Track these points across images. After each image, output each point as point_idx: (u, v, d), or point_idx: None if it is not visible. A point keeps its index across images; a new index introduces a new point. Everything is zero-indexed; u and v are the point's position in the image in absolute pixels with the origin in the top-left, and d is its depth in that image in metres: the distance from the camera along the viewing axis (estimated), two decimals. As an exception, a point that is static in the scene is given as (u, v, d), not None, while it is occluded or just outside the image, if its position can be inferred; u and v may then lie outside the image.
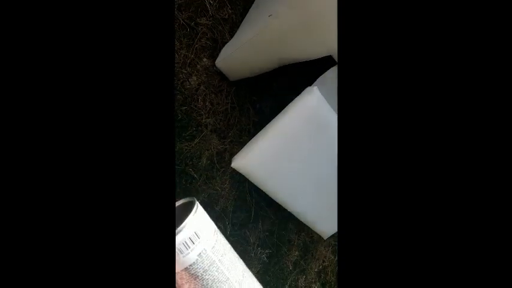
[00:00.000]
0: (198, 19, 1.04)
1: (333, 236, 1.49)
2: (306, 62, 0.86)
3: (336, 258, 1.59)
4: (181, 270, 0.33)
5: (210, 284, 0.33)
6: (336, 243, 1.58)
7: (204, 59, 1.06)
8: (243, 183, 1.18)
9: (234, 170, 1.13)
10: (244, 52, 0.89)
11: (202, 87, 1.05)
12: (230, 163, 0.87)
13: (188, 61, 1.02)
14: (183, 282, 0.33)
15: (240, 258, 0.38)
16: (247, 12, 1.13)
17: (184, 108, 1.02)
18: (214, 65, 1.06)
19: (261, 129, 0.84)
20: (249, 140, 0.98)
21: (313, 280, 1.49)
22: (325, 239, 1.24)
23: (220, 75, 1.09)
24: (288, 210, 0.95)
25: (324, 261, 1.53)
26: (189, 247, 0.33)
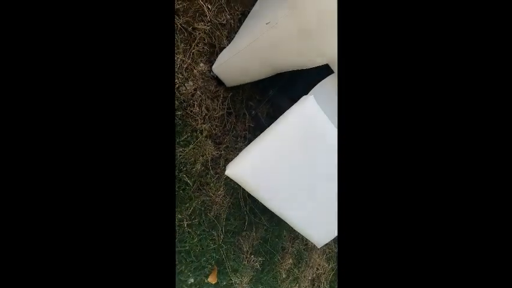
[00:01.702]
0: (195, 24, 1.04)
1: (326, 244, 1.48)
2: (303, 70, 0.85)
3: (330, 266, 1.58)
4: None
5: None
6: (330, 251, 1.57)
7: (201, 64, 1.05)
8: (237, 190, 1.17)
9: (228, 177, 1.12)
10: (241, 59, 0.88)
11: (198, 92, 1.05)
12: (225, 169, 0.86)
13: (185, 66, 1.02)
14: None
15: None
16: (245, 18, 1.13)
17: (179, 113, 1.01)
18: (211, 71, 1.05)
19: (256, 136, 0.84)
20: (245, 146, 0.97)
21: (307, 288, 1.47)
22: (318, 247, 1.23)
23: (217, 80, 1.08)
24: (283, 219, 0.94)
25: (317, 269, 1.52)
26: None
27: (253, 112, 1.11)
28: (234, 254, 1.17)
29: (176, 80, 1.00)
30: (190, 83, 1.03)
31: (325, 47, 0.74)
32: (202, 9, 1.05)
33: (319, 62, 0.80)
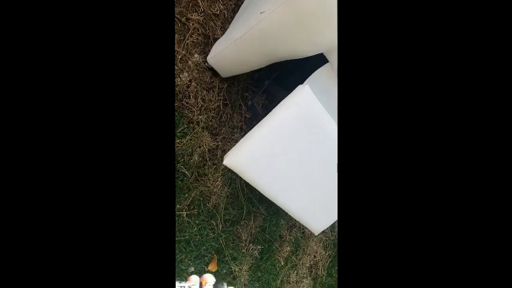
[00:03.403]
0: (189, 14, 1.03)
1: (323, 231, 1.50)
2: (298, 59, 0.86)
3: (327, 253, 1.62)
4: None
5: None
6: (327, 238, 1.60)
7: (196, 55, 1.05)
8: (234, 180, 1.18)
9: (226, 167, 1.13)
10: (236, 49, 0.88)
11: (193, 83, 1.05)
12: (222, 160, 0.87)
13: (179, 57, 1.01)
14: None
15: None
16: (239, 8, 1.13)
17: (175, 104, 1.01)
18: (206, 61, 1.05)
19: (253, 126, 0.85)
20: (241, 137, 0.98)
21: (305, 275, 1.51)
22: (316, 234, 1.26)
23: (212, 71, 1.08)
24: (280, 206, 0.96)
25: (315, 257, 1.56)
26: None
27: (249, 102, 1.12)
28: (233, 243, 1.19)
29: (171, 72, 1.00)
30: (185, 74, 1.03)
31: (320, 36, 0.75)
32: (196, 0, 1.04)
33: (314, 51, 0.80)
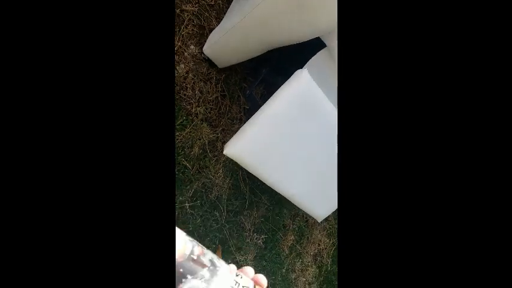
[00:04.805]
0: (183, 6, 1.02)
1: (327, 219, 1.51)
2: (295, 45, 0.85)
3: (331, 241, 1.62)
4: None
5: None
6: (331, 226, 1.61)
7: (192, 46, 1.04)
8: (236, 171, 1.18)
9: (227, 159, 1.13)
10: (232, 37, 0.87)
11: (190, 75, 1.04)
12: (222, 151, 0.87)
13: (175, 49, 1.00)
14: None
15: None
16: (233, -2, 1.11)
17: (173, 97, 1.01)
18: (202, 52, 1.04)
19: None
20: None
21: (310, 263, 1.52)
22: (319, 221, 1.26)
23: (209, 62, 1.07)
24: (282, 194, 0.96)
25: (319, 245, 1.56)
26: None
27: (248, 92, 1.11)
28: (236, 233, 1.19)
29: (168, 64, 0.99)
30: (182, 65, 1.03)
31: (316, 20, 0.74)
32: (189, -10, 1.03)
33: (311, 34, 0.79)
